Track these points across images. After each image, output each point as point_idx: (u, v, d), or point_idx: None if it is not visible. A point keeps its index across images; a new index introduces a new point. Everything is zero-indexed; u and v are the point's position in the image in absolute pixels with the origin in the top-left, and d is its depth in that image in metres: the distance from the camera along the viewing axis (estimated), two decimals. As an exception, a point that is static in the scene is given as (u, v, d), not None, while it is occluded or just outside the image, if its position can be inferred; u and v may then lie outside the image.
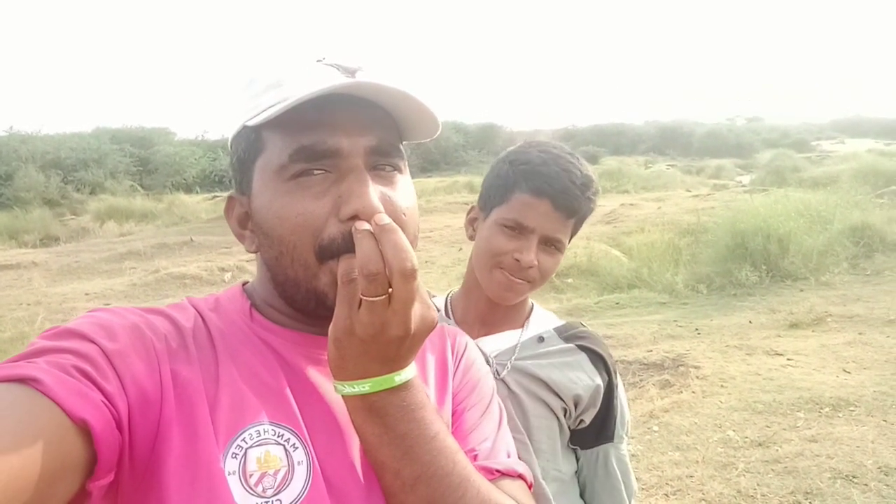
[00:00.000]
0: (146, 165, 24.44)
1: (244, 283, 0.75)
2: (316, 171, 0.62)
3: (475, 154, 28.85)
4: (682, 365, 4.75)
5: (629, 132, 38.64)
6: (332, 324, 0.59)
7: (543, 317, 1.22)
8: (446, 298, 1.23)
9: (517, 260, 1.07)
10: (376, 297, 0.56)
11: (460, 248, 11.03)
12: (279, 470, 0.57)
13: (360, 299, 0.56)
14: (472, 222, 1.18)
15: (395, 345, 0.58)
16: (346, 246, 0.60)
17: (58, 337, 0.55)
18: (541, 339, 1.17)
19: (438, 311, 1.19)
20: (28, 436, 0.46)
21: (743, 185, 18.12)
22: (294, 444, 0.59)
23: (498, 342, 1.15)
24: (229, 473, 0.55)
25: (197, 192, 21.11)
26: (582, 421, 1.14)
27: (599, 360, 1.16)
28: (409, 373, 0.61)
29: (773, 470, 3.04)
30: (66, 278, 9.94)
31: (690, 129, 39.21)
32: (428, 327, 0.60)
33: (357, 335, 0.57)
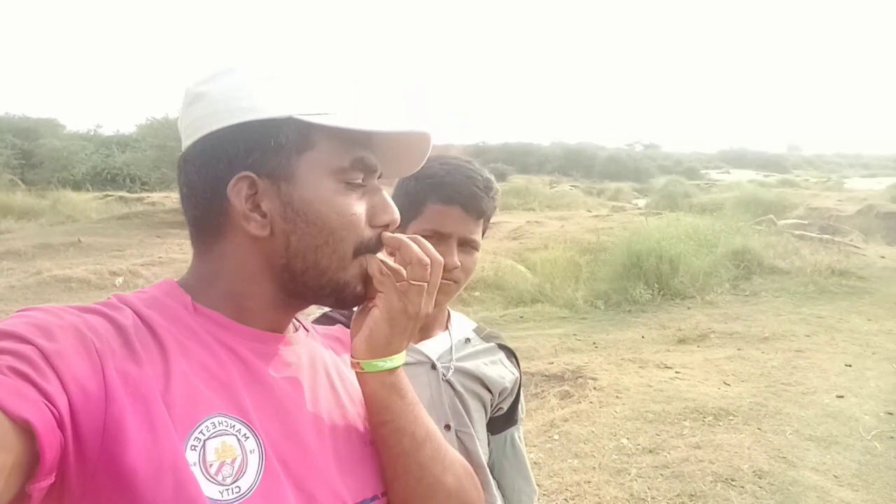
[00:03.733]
0: (30, 159, 22.66)
1: (176, 280, 0.73)
2: (360, 182, 0.71)
3: None
4: (580, 377, 4.96)
5: (536, 152, 40.01)
6: (382, 307, 0.70)
7: (460, 319, 1.33)
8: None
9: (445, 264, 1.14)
10: (423, 282, 0.71)
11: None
12: (235, 458, 0.60)
13: (408, 285, 0.70)
14: None
15: (418, 322, 0.73)
16: (376, 247, 0.72)
17: None
18: (467, 340, 1.28)
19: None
20: None
21: (639, 208, 19.17)
22: (245, 433, 0.61)
23: (435, 345, 1.23)
24: (192, 464, 0.57)
25: (87, 190, 19.74)
26: (500, 409, 1.29)
27: (512, 356, 1.34)
28: None
29: (662, 475, 3.24)
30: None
31: (593, 152, 41.10)
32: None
33: (408, 313, 0.71)
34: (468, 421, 1.20)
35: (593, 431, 3.85)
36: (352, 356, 0.73)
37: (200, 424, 0.59)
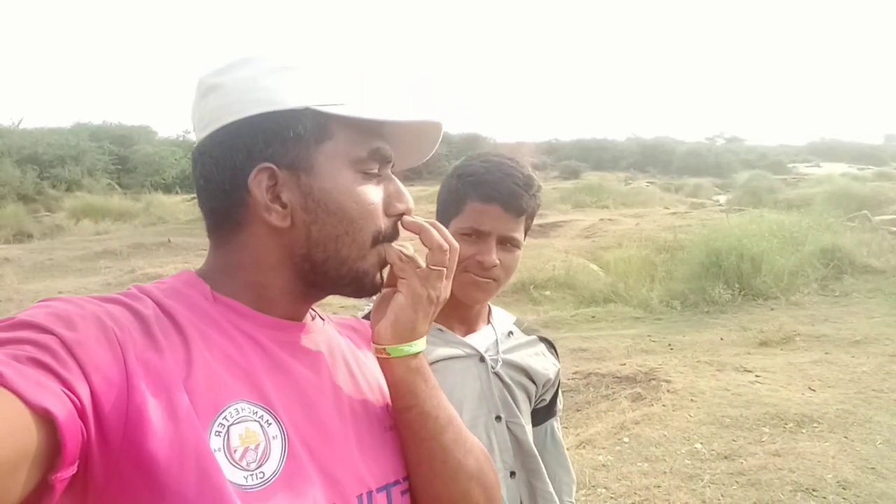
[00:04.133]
0: (125, 164, 24.13)
1: (194, 270, 0.74)
2: (376, 171, 0.72)
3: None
4: (653, 379, 4.84)
5: (611, 148, 39.06)
6: (406, 293, 0.72)
7: (500, 313, 1.35)
8: None
9: (480, 262, 1.16)
10: (442, 267, 0.73)
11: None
12: (259, 444, 0.61)
13: (429, 270, 0.72)
14: None
15: (438, 307, 0.75)
16: (392, 235, 0.74)
17: (13, 328, 0.54)
18: (510, 333, 1.30)
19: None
20: None
21: (720, 205, 18.43)
22: (268, 420, 0.62)
23: (481, 339, 1.26)
24: (215, 450, 0.57)
25: (176, 193, 20.88)
26: (543, 400, 1.31)
27: (552, 347, 1.37)
28: None
29: (737, 482, 3.12)
30: (38, 276, 9.80)
31: (671, 147, 39.70)
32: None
33: (430, 298, 0.73)
34: (517, 412, 1.22)
35: (665, 435, 3.76)
36: (376, 343, 0.74)
37: (224, 411, 0.60)
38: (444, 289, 0.75)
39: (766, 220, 9.48)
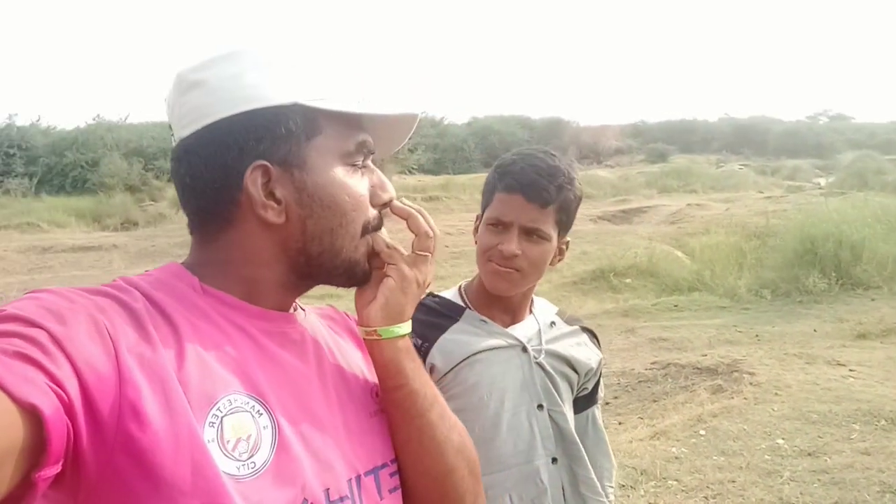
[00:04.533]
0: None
1: (181, 263, 0.74)
2: (362, 163, 0.74)
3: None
4: (736, 371, 4.66)
5: (701, 129, 37.26)
6: (396, 277, 0.75)
7: (543, 304, 1.37)
8: (459, 288, 1.35)
9: (500, 251, 1.18)
10: (428, 252, 0.77)
11: (518, 244, 11.00)
12: (250, 435, 0.62)
13: (415, 256, 0.76)
14: (476, 229, 1.30)
15: (424, 290, 0.79)
16: (379, 225, 0.76)
17: (1, 321, 0.53)
18: (552, 323, 1.32)
19: (450, 301, 1.33)
20: None
21: (820, 188, 17.30)
22: (258, 410, 0.63)
23: (524, 330, 1.27)
24: (208, 441, 0.58)
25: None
26: (585, 389, 1.32)
27: (595, 337, 1.37)
28: None
29: (819, 480, 2.98)
30: (142, 261, 10.55)
31: (767, 126, 37.47)
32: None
33: (418, 282, 0.77)
34: (559, 400, 1.24)
35: (745, 429, 3.62)
36: (366, 325, 0.75)
37: (217, 402, 0.60)
38: (430, 273, 0.79)
39: (871, 203, 8.84)
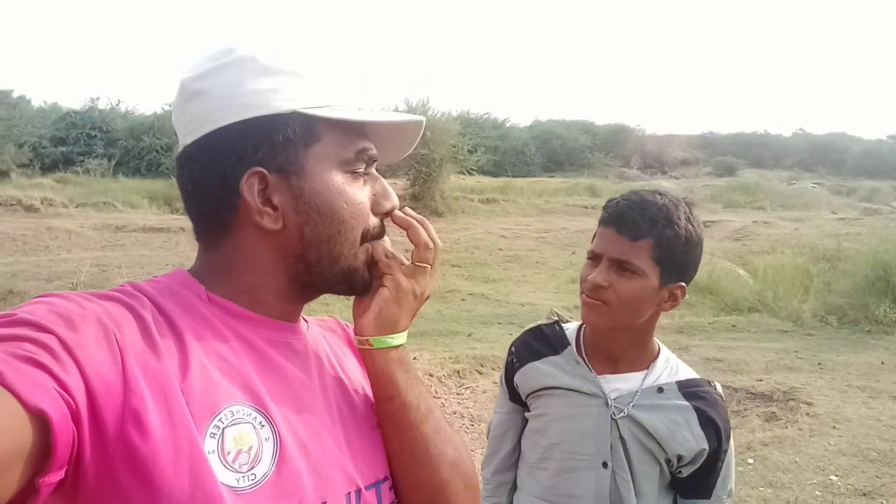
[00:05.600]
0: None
1: (187, 270, 0.75)
2: (363, 171, 0.74)
3: (601, 156, 27.44)
4: (792, 399, 4.48)
5: (774, 144, 35.79)
6: (391, 287, 0.75)
7: (669, 364, 1.29)
8: (579, 328, 1.34)
9: (588, 281, 1.20)
10: (427, 264, 0.77)
11: (573, 252, 10.90)
12: (252, 447, 0.62)
13: (414, 267, 0.76)
14: None
15: (421, 302, 0.78)
16: (379, 233, 0.76)
17: (13, 325, 0.53)
18: (660, 389, 1.24)
19: (563, 334, 1.34)
20: None
21: (899, 212, 16.38)
22: (261, 422, 0.64)
23: (620, 384, 1.24)
24: (209, 452, 0.58)
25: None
26: (680, 472, 1.23)
27: (711, 425, 1.21)
28: None
29: (874, 523, 2.84)
30: (207, 245, 10.88)
31: (846, 144, 35.69)
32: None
33: (414, 293, 0.76)
34: (626, 466, 1.20)
35: (796, 461, 3.48)
36: (359, 334, 0.76)
37: (219, 413, 0.61)
38: (428, 285, 0.78)
39: (953, 232, 8.32)
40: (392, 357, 0.76)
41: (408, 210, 0.78)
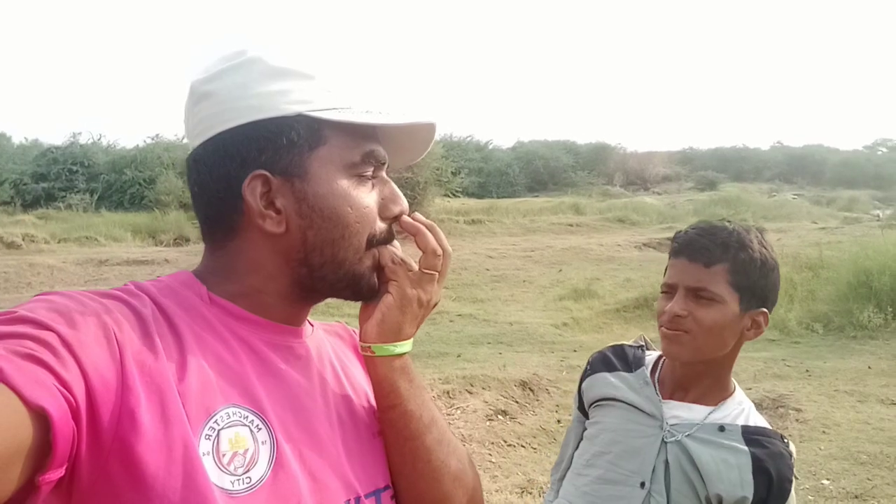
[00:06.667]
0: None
1: (191, 271, 0.74)
2: (371, 174, 0.72)
3: (584, 175, 27.82)
4: (782, 406, 4.49)
5: (753, 157, 36.36)
6: (396, 294, 0.72)
7: (741, 408, 1.23)
8: (659, 357, 1.33)
9: (666, 312, 1.19)
10: (434, 271, 0.74)
11: (560, 270, 10.94)
12: (248, 449, 0.61)
13: (421, 273, 0.73)
14: None
15: (428, 311, 0.75)
16: (387, 238, 0.74)
17: (13, 322, 0.54)
18: (722, 428, 1.19)
19: (642, 356, 1.34)
20: None
21: (878, 220, 16.64)
22: (258, 425, 0.63)
23: (682, 412, 1.22)
24: (203, 454, 0.58)
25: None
26: None
27: (764, 475, 1.14)
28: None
29: (867, 525, 2.84)
30: (192, 276, 10.80)
31: (823, 156, 36.37)
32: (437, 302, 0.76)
33: (420, 301, 0.73)
34: (664, 491, 1.17)
35: (788, 467, 3.48)
36: (362, 341, 0.74)
37: (215, 415, 0.60)
38: (435, 293, 0.75)
39: (931, 237, 8.46)
40: (395, 365, 0.73)
41: (417, 215, 0.76)
